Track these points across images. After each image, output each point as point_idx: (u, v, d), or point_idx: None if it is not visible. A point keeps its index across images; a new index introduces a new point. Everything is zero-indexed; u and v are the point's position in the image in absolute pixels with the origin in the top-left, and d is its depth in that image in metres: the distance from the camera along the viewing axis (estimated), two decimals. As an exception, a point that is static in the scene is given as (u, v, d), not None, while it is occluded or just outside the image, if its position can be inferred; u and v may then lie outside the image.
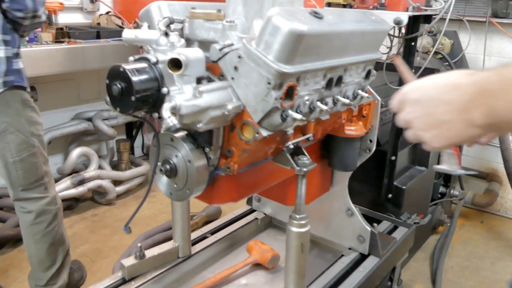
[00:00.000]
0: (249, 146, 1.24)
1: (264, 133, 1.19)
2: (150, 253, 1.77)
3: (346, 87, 1.45)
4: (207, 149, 1.27)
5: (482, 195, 3.18)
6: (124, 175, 3.39)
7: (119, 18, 3.41)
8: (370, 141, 1.78)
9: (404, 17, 1.78)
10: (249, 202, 2.36)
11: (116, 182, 3.39)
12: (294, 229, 1.40)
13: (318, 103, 1.32)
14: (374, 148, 1.79)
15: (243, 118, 1.21)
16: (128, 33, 1.20)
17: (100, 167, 3.33)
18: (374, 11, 1.81)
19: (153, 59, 1.11)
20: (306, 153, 1.38)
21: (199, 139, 1.27)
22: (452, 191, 3.14)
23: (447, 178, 3.12)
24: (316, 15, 1.19)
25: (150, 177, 1.33)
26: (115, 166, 3.59)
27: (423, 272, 2.62)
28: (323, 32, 1.18)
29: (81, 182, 3.11)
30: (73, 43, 2.83)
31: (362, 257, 1.93)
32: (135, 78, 1.07)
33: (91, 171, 3.19)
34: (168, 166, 1.28)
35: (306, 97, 1.27)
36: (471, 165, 3.39)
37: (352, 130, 1.69)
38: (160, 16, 1.38)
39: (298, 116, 1.22)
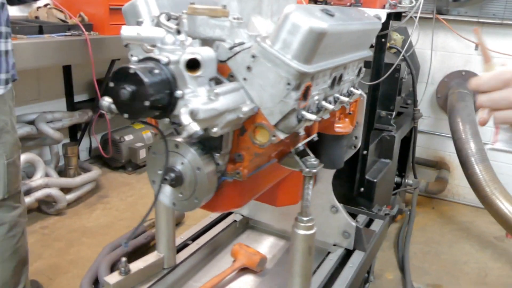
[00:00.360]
0: (262, 150, 1.18)
1: (281, 136, 1.14)
2: (135, 267, 1.64)
3: (343, 85, 1.44)
4: (216, 155, 1.19)
5: (434, 183, 3.38)
6: (74, 182, 3.15)
7: (61, 11, 3.13)
8: (356, 137, 1.80)
9: (383, 14, 1.81)
10: (225, 204, 2.28)
11: (65, 190, 3.14)
12: (301, 232, 1.36)
13: (324, 103, 1.30)
14: (359, 145, 1.80)
15: (256, 121, 1.15)
16: (129, 31, 1.08)
17: (46, 175, 3.05)
18: (360, 8, 1.82)
19: (164, 60, 1.01)
20: (311, 154, 1.35)
21: (207, 144, 1.18)
22: (406, 181, 3.29)
23: (401, 169, 3.27)
24: (328, 13, 1.15)
25: (156, 189, 1.23)
26: (61, 173, 3.32)
27: (390, 260, 2.73)
28: (338, 30, 1.15)
29: (28, 192, 2.83)
30: (14, 39, 2.54)
31: (348, 253, 1.95)
32: (148, 81, 0.96)
33: (38, 180, 2.91)
34: (172, 175, 1.18)
35: (316, 97, 1.24)
36: (419, 154, 3.57)
37: (341, 127, 1.69)
38: (147, 11, 1.27)
39: (313, 116, 1.18)
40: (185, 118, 0.98)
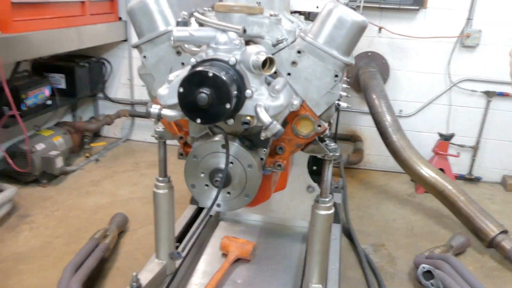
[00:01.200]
0: (305, 140, 1.24)
1: (326, 125, 1.21)
2: (144, 279, 1.56)
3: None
4: (264, 150, 1.21)
5: (354, 154, 3.74)
6: (-9, 205, 2.74)
7: None
8: (330, 120, 1.94)
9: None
10: (195, 201, 2.26)
11: (-22, 215, 2.72)
12: (323, 212, 1.45)
13: (337, 90, 1.40)
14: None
15: (300, 113, 1.20)
16: (181, 32, 1.03)
17: (-47, 201, 2.60)
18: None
19: (232, 60, 1.00)
20: (327, 140, 1.45)
21: (255, 141, 1.19)
22: (329, 156, 3.58)
23: (325, 145, 3.55)
24: (352, 7, 1.25)
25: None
26: (-35, 197, 2.84)
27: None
28: (365, 23, 1.25)
29: None
30: None
31: (326, 227, 2.10)
32: (230, 83, 0.95)
33: None
34: (221, 175, 1.17)
35: (337, 86, 1.33)
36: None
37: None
38: (157, 9, 1.23)
39: (345, 104, 1.27)
40: (265, 117, 1.00)
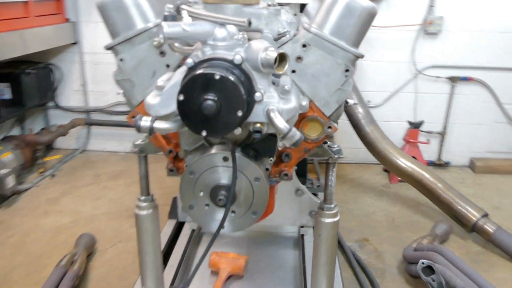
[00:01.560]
0: (313, 145, 1.11)
1: (336, 125, 1.08)
2: (132, 313, 1.37)
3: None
4: (271, 160, 1.06)
5: (326, 149, 3.66)
6: None
7: None
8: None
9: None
10: (173, 215, 2.07)
11: None
12: (329, 220, 1.34)
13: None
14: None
15: (308, 115, 1.06)
16: (172, 27, 0.86)
17: None
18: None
19: (238, 58, 0.84)
20: (328, 141, 1.32)
21: (259, 149, 1.04)
22: (301, 152, 3.49)
23: (297, 142, 3.45)
24: None
25: (224, 213, 1.03)
26: None
27: (315, 228, 2.88)
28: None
29: None
30: None
31: (316, 230, 1.99)
32: (242, 87, 0.80)
33: None
34: (225, 193, 1.01)
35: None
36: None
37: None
38: (133, 3, 1.05)
39: (352, 101, 1.15)
40: (281, 123, 0.86)
